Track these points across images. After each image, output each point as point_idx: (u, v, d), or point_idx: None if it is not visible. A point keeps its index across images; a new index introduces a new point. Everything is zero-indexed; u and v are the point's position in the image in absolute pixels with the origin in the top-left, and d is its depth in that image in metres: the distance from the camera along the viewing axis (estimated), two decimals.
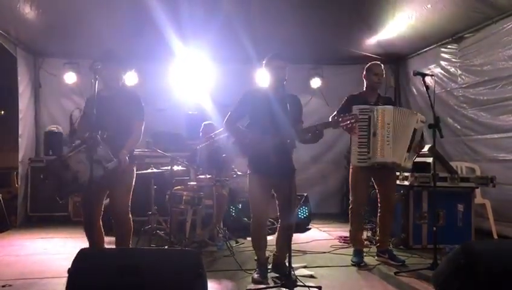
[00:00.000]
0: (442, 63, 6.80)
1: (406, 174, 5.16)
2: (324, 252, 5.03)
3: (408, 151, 4.35)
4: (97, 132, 3.35)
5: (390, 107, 4.39)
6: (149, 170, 5.26)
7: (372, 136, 4.31)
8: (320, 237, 5.97)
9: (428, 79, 4.52)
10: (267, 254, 4.12)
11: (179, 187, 5.36)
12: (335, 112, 4.43)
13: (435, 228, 4.14)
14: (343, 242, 5.48)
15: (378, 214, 4.72)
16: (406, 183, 5.17)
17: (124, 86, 4.04)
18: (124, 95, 3.88)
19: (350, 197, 4.68)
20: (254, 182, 3.92)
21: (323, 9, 6.28)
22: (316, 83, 8.06)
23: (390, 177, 4.62)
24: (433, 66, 6.99)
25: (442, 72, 6.76)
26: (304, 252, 5.00)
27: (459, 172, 5.70)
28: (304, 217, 6.59)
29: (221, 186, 5.43)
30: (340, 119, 3.69)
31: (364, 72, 4.67)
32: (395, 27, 6.59)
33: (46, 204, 6.72)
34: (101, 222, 3.84)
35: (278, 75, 3.84)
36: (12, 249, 5.28)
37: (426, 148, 5.30)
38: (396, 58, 8.08)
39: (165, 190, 5.36)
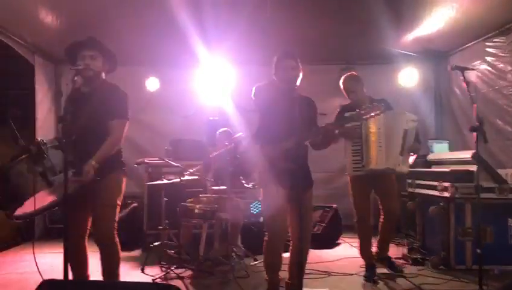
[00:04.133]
0: (489, 58, 6.06)
1: (446, 184, 4.53)
2: (351, 274, 4.46)
3: (401, 154, 4.12)
4: (69, 136, 2.75)
5: (390, 111, 4.19)
6: (159, 181, 4.86)
7: (364, 143, 4.15)
8: (349, 254, 5.38)
9: (470, 74, 3.91)
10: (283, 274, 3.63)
11: (191, 199, 4.94)
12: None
13: (479, 250, 3.49)
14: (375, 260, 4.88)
15: (381, 223, 4.45)
16: (446, 194, 4.53)
17: (105, 81, 3.41)
18: (102, 91, 3.28)
19: (354, 209, 4.42)
20: (268, 195, 3.45)
21: (354, 3, 5.77)
22: None
23: (389, 185, 4.35)
24: (478, 62, 6.25)
25: (489, 68, 6.02)
26: (329, 274, 4.46)
27: (510, 181, 4.98)
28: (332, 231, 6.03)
29: (238, 198, 4.97)
30: (363, 112, 3.31)
31: (342, 86, 4.55)
32: (434, 21, 5.96)
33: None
34: (85, 242, 3.32)
35: (289, 76, 3.37)
36: (20, 265, 5.02)
37: (469, 154, 4.69)
38: (436, 56, 7.36)
39: (177, 202, 4.94)
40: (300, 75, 3.44)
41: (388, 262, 4.48)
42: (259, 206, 4.58)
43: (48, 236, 6.62)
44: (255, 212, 4.61)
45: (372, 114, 3.34)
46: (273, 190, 3.38)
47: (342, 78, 4.55)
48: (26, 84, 6.66)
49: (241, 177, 4.21)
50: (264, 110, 3.45)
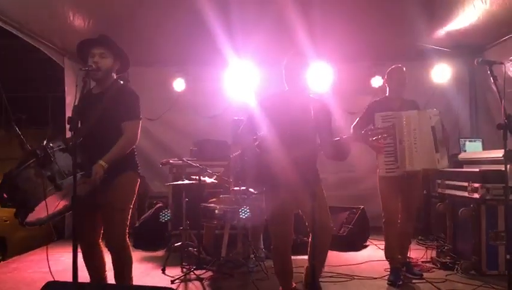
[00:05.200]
0: None
1: (476, 185, 4.30)
2: (375, 278, 4.30)
3: (437, 151, 4.06)
4: (77, 138, 2.71)
5: (414, 111, 4.18)
6: (179, 181, 4.84)
7: (399, 144, 4.06)
8: (376, 256, 5.19)
9: (500, 69, 3.68)
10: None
11: (213, 200, 4.90)
12: (357, 120, 4.30)
13: (508, 256, 3.26)
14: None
15: (398, 225, 4.31)
16: (476, 196, 4.30)
17: (116, 82, 3.29)
18: (113, 92, 3.18)
19: (383, 211, 4.32)
20: (272, 201, 3.36)
21: None
22: (377, 82, 7.26)
23: (414, 187, 4.31)
24: None
25: None
26: (351, 277, 4.32)
27: None
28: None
29: (259, 199, 4.88)
30: (369, 133, 3.20)
31: (385, 77, 4.49)
32: (468, 15, 5.72)
33: None
34: (100, 244, 3.30)
35: (298, 75, 3.26)
36: (46, 264, 5.10)
37: (501, 153, 4.45)
38: (470, 51, 7.04)
39: (199, 203, 4.90)
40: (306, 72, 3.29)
41: (407, 267, 4.36)
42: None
43: (72, 238, 6.73)
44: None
45: (379, 137, 3.23)
46: (275, 197, 3.31)
47: (392, 68, 4.44)
48: (56, 86, 6.83)
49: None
50: (268, 119, 3.32)
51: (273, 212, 3.33)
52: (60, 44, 6.51)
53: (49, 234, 7.74)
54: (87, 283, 3.19)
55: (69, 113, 6.71)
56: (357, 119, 4.30)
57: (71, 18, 5.70)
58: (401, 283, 4.09)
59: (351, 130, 4.19)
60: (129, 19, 5.88)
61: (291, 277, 3.44)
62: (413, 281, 4.19)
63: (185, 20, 5.99)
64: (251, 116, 3.40)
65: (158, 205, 6.23)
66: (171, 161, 6.07)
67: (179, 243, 4.84)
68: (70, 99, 6.90)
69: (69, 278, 3.01)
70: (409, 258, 4.53)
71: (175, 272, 4.56)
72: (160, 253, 5.59)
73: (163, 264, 4.68)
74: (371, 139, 3.25)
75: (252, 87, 7.10)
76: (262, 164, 3.26)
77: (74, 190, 2.66)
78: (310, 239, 3.42)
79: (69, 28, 5.88)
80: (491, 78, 3.43)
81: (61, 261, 5.18)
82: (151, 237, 5.77)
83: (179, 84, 7.38)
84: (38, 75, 12.52)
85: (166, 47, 7.02)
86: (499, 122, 6.60)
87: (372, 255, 5.30)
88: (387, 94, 4.45)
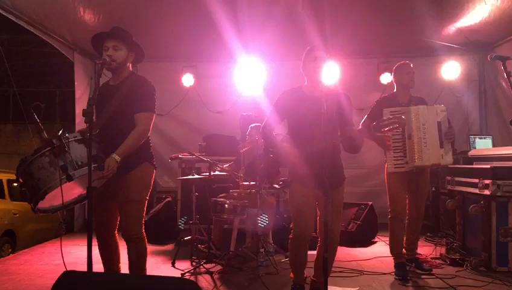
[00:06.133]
0: None
1: (487, 182, 4.29)
2: (384, 273, 4.30)
3: (442, 146, 4.07)
4: (94, 130, 2.75)
5: (424, 106, 4.15)
6: (190, 176, 4.85)
7: (408, 139, 4.06)
8: (385, 252, 5.15)
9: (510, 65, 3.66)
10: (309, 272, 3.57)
11: (223, 195, 4.92)
12: (365, 117, 4.29)
13: None
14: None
15: (406, 221, 4.31)
16: (487, 192, 4.28)
17: (132, 73, 3.29)
18: (129, 83, 3.17)
19: (389, 206, 4.30)
20: (295, 193, 3.39)
21: None
22: (386, 78, 7.25)
23: (423, 182, 4.28)
24: None
25: None
26: (361, 272, 4.32)
27: None
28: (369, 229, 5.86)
29: (269, 194, 4.91)
30: (381, 124, 3.29)
31: (393, 73, 4.47)
32: (478, 11, 5.69)
33: None
34: (115, 235, 3.33)
35: (316, 68, 3.27)
36: (56, 257, 5.15)
37: (510, 150, 4.45)
38: (481, 47, 7.02)
39: (208, 197, 4.92)
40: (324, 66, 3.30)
41: (416, 263, 4.34)
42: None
43: (87, 229, 6.76)
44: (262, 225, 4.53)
45: (391, 127, 3.32)
46: (299, 189, 3.33)
47: (400, 64, 4.43)
48: (66, 81, 6.87)
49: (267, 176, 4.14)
50: (289, 114, 3.38)
51: (296, 204, 3.34)
52: (70, 38, 6.55)
53: (58, 228, 7.86)
54: (107, 272, 3.23)
55: (79, 107, 6.85)
56: (365, 116, 4.30)
57: (81, 13, 5.73)
58: (409, 277, 4.09)
59: (360, 127, 4.18)
60: (138, 14, 5.90)
61: (304, 267, 3.46)
62: (423, 276, 4.18)
63: (194, 17, 6.00)
64: (273, 112, 3.41)
65: (167, 200, 6.26)
66: (180, 156, 6.10)
67: (189, 237, 4.86)
68: (80, 94, 6.95)
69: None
70: (418, 254, 4.53)
71: (185, 265, 4.59)
72: (169, 247, 5.62)
73: (173, 257, 4.70)
74: (382, 129, 3.26)
75: (261, 82, 7.10)
76: (288, 159, 3.32)
77: (89, 182, 2.69)
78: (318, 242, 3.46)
79: (79, 23, 5.92)
80: (505, 74, 3.43)
81: (71, 254, 5.24)
82: (160, 231, 5.80)
83: (187, 80, 7.39)
84: (45, 70, 12.64)
85: (175, 43, 7.04)
86: (508, 119, 6.65)
87: (381, 251, 5.30)
88: (394, 90, 4.43)
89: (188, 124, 7.50)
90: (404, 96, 4.33)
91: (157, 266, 4.64)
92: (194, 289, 2.13)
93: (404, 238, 4.33)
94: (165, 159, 6.31)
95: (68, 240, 6.12)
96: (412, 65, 4.40)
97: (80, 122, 6.89)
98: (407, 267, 4.22)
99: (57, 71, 12.86)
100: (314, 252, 3.51)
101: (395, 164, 4.12)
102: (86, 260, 2.60)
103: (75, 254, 5.20)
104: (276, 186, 4.83)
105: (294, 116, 3.33)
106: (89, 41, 6.49)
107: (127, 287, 2.16)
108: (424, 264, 4.43)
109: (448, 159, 4.13)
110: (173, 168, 6.74)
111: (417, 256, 4.46)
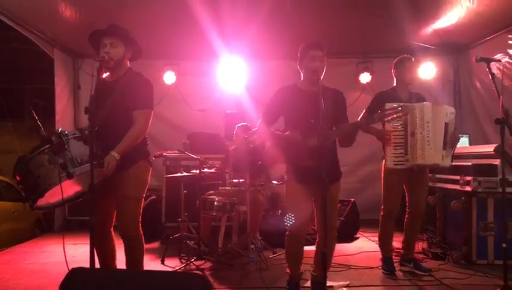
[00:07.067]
0: (511, 51, 5.96)
1: (468, 178, 4.48)
2: (372, 268, 4.44)
3: (444, 148, 4.02)
4: (93, 127, 2.70)
5: (428, 104, 4.08)
6: (178, 174, 4.87)
7: (410, 136, 3.99)
8: (368, 248, 5.35)
9: (494, 66, 3.82)
10: (306, 268, 3.65)
11: (211, 192, 4.95)
12: (363, 112, 4.20)
13: (504, 244, 3.42)
14: (395, 255, 4.83)
15: (406, 220, 4.32)
16: (468, 188, 4.48)
17: (130, 70, 3.30)
18: (127, 80, 3.19)
19: (382, 203, 4.30)
20: (291, 189, 3.47)
21: None
22: (365, 78, 7.43)
23: (422, 179, 4.26)
24: (499, 55, 6.11)
25: (511, 61, 5.92)
26: (349, 267, 4.44)
27: None
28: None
29: (257, 191, 4.96)
30: (386, 113, 3.20)
31: (393, 67, 4.32)
32: (454, 13, 5.86)
33: (86, 207, 6.49)
34: (111, 232, 3.34)
35: (314, 66, 3.33)
36: (41, 255, 5.09)
37: (491, 147, 4.63)
38: (456, 49, 7.28)
39: (196, 195, 4.94)
40: (324, 67, 3.38)
41: (415, 263, 4.30)
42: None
43: (67, 228, 6.68)
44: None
45: (394, 116, 3.23)
46: (295, 185, 3.39)
47: (402, 57, 4.30)
48: (46, 77, 6.74)
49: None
50: (285, 111, 3.44)
51: (292, 200, 3.42)
52: (50, 34, 6.42)
53: (34, 227, 7.70)
54: (117, 269, 3.27)
55: (60, 104, 6.72)
56: (364, 111, 4.21)
57: (62, 9, 5.64)
58: (395, 271, 4.21)
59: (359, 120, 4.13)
60: (120, 11, 5.82)
61: (301, 262, 3.53)
62: (405, 270, 4.29)
63: (175, 15, 5.97)
64: (269, 108, 3.48)
65: (151, 198, 6.23)
66: (164, 154, 6.08)
67: (178, 235, 4.87)
68: (60, 90, 6.83)
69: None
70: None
71: (174, 263, 4.61)
72: (154, 245, 5.61)
73: (162, 255, 4.70)
74: (386, 119, 3.26)
75: (243, 81, 7.14)
76: (284, 154, 3.37)
77: (91, 179, 2.68)
78: (316, 238, 3.54)
79: (59, 19, 5.82)
80: (490, 75, 3.60)
81: (55, 253, 5.17)
82: (145, 229, 5.74)
83: (169, 77, 7.35)
84: (15, 66, 12.27)
85: (156, 40, 6.96)
86: (482, 118, 6.90)
87: (365, 246, 5.45)
88: (394, 85, 4.33)
89: (170, 122, 7.46)
90: (404, 91, 4.26)
91: (146, 264, 4.54)
92: (205, 283, 2.16)
93: (402, 236, 4.37)
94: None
95: (49, 239, 6.02)
96: (413, 59, 4.32)
97: (60, 119, 6.79)
98: (406, 267, 4.27)
99: (25, 68, 12.54)
100: (310, 248, 3.58)
101: (394, 161, 4.04)
102: (72, 258, 2.61)
103: (60, 253, 5.11)
104: (275, 182, 4.89)
105: (291, 112, 3.39)
106: (70, 37, 6.42)
107: (139, 284, 2.17)
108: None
109: (447, 161, 4.09)
110: (156, 166, 6.67)
111: (415, 256, 4.45)
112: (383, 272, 4.26)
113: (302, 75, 3.49)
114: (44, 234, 6.50)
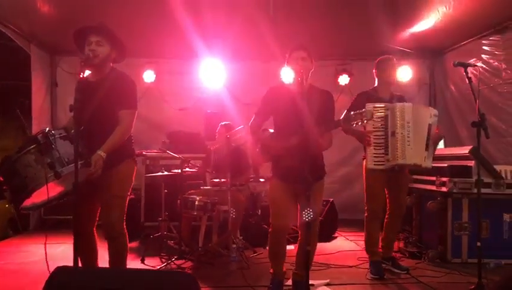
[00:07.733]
0: (484, 56, 6.16)
1: (444, 179, 4.61)
2: (350, 266, 4.52)
3: (426, 149, 4.03)
4: (78, 126, 2.66)
5: (409, 104, 4.09)
6: (159, 173, 4.85)
7: (391, 136, 3.99)
8: (347, 247, 5.45)
9: (470, 70, 3.91)
10: (286, 267, 3.67)
11: (192, 191, 4.95)
12: (345, 112, 3.97)
13: (479, 243, 3.54)
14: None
15: (386, 219, 4.36)
16: (444, 189, 4.60)
17: (114, 70, 3.27)
18: (110, 80, 3.16)
19: (365, 204, 4.28)
20: (274, 188, 3.51)
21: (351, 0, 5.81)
22: (344, 80, 7.54)
23: (403, 179, 4.29)
24: (473, 60, 6.32)
25: (484, 66, 6.12)
26: (328, 266, 4.50)
27: (504, 177, 5.06)
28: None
29: (238, 191, 4.99)
30: (352, 115, 3.09)
31: (375, 67, 4.35)
32: (430, 18, 6.01)
33: (62, 207, 6.39)
34: (94, 232, 3.31)
35: (300, 67, 3.37)
36: (17, 255, 4.99)
37: (466, 150, 4.77)
38: (432, 53, 7.48)
39: (177, 194, 4.94)
40: (312, 67, 3.43)
41: (393, 262, 4.34)
42: None
43: (42, 227, 6.56)
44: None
45: (359, 121, 3.09)
46: (279, 184, 3.45)
47: (383, 58, 4.33)
48: (22, 74, 6.60)
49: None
50: (273, 110, 3.49)
51: (275, 198, 3.46)
52: (27, 30, 6.29)
53: (7, 227, 7.51)
54: (102, 267, 3.22)
55: (36, 101, 6.59)
56: (345, 111, 4.04)
57: (38, 4, 5.52)
58: (385, 277, 4.12)
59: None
60: (99, 9, 5.75)
61: (283, 260, 3.57)
62: (387, 268, 4.33)
63: (155, 13, 5.92)
64: (259, 108, 3.53)
65: (130, 197, 6.15)
66: (144, 153, 6.04)
67: (158, 234, 4.85)
68: (37, 87, 6.69)
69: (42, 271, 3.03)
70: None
71: (154, 262, 4.59)
72: (133, 244, 5.55)
73: (142, 254, 4.68)
74: (352, 123, 3.11)
75: (222, 80, 7.14)
76: (271, 153, 3.43)
77: (76, 178, 2.66)
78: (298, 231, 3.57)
79: (37, 14, 5.71)
80: (466, 79, 3.71)
81: (32, 252, 5.09)
82: None
83: (148, 76, 7.30)
84: None
85: (136, 38, 6.86)
86: (456, 121, 7.08)
87: (343, 245, 5.54)
88: (376, 85, 4.35)
89: (149, 121, 7.39)
90: (385, 92, 4.28)
91: (127, 263, 4.59)
92: (191, 281, 2.18)
93: (381, 235, 4.37)
94: None
95: (24, 239, 5.91)
96: (395, 59, 4.36)
97: (37, 116, 6.64)
98: (384, 265, 4.26)
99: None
100: (290, 247, 3.63)
101: (374, 161, 4.04)
102: (52, 258, 2.57)
103: (37, 252, 5.03)
104: (262, 179, 4.91)
105: (279, 112, 3.43)
106: (47, 33, 6.28)
107: (126, 282, 2.17)
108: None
109: (428, 163, 4.08)
110: None
111: (393, 255, 4.50)
112: (371, 277, 4.12)
113: (292, 77, 3.53)
114: (19, 233, 6.35)
